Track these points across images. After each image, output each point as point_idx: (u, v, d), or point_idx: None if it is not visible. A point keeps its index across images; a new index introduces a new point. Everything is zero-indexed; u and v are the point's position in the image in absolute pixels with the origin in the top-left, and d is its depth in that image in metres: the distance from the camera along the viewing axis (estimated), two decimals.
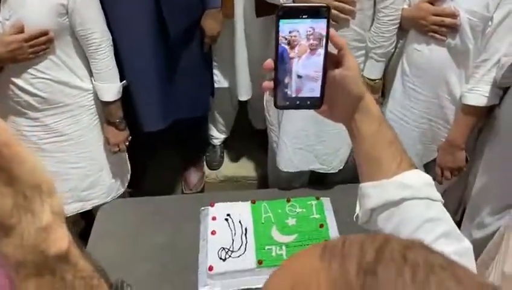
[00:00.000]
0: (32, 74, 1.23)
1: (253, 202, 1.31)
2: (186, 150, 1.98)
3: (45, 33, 1.17)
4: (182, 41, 1.49)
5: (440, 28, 1.24)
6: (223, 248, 1.17)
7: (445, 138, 1.35)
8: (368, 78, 1.41)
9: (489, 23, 1.19)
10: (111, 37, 1.32)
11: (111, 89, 1.33)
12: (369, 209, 0.55)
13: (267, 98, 1.64)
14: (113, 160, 1.50)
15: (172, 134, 1.78)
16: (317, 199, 1.33)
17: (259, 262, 1.15)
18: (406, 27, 1.35)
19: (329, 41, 0.53)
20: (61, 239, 0.30)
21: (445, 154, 1.35)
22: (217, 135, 1.96)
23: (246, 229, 1.23)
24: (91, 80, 1.34)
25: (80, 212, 1.49)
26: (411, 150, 1.51)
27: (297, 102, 0.55)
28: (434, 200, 0.52)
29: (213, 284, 1.12)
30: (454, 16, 1.21)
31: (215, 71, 1.73)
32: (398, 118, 1.43)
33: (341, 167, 1.50)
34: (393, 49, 1.41)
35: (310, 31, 0.51)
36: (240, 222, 1.25)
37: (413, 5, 1.32)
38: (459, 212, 1.54)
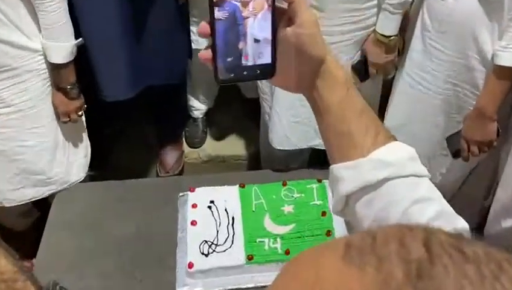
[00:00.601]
0: None
1: (242, 186, 1.28)
2: (162, 124, 1.93)
3: None
4: None
5: None
6: (206, 241, 1.14)
7: (473, 106, 1.31)
8: (382, 35, 1.37)
9: None
10: None
11: (62, 48, 1.26)
12: (344, 195, 0.52)
13: None
14: (71, 137, 1.44)
15: (144, 106, 1.74)
16: (319, 181, 1.31)
17: (249, 257, 1.13)
18: None
19: None
20: None
21: (472, 125, 1.32)
22: (198, 106, 1.91)
23: (233, 219, 1.20)
24: (39, 34, 1.30)
25: (32, 201, 1.43)
26: (431, 121, 1.45)
27: (244, 72, 0.53)
28: (420, 176, 0.51)
29: (193, 284, 1.11)
30: None
31: (193, 29, 1.65)
32: (417, 82, 1.39)
33: None
34: None
35: None
36: (225, 210, 1.22)
37: None
38: (489, 196, 1.52)
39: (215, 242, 1.14)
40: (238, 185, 1.28)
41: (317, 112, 0.57)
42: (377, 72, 1.51)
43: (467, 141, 1.34)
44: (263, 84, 1.52)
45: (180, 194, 1.27)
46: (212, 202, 1.24)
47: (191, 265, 1.09)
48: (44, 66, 1.31)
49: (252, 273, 1.11)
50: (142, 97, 1.58)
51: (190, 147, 1.97)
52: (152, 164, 1.96)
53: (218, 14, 0.49)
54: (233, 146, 1.97)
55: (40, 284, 0.39)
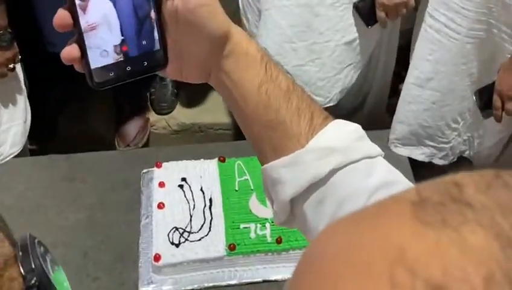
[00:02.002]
0: None
1: (221, 160, 1.28)
2: (121, 86, 1.92)
3: None
4: None
5: None
6: (176, 229, 1.15)
7: (511, 52, 1.33)
8: None
9: None
10: None
11: None
12: (287, 200, 0.53)
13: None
14: (4, 97, 1.43)
15: None
16: None
17: (231, 247, 1.12)
18: None
19: None
20: None
21: (508, 77, 1.32)
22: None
23: (210, 201, 1.20)
24: None
25: None
26: (462, 72, 1.42)
27: (128, 68, 0.51)
28: (374, 157, 0.51)
29: (161, 281, 1.10)
30: None
31: None
32: (443, 24, 1.38)
33: (341, 98, 1.59)
34: None
35: None
36: (201, 189, 1.23)
37: None
38: None
39: (188, 229, 1.14)
40: (217, 159, 1.28)
41: (232, 101, 0.56)
42: (387, 16, 1.52)
43: (501, 96, 1.34)
44: (248, 28, 1.61)
45: (144, 170, 1.26)
46: (184, 179, 1.23)
47: (157, 258, 1.08)
48: None
49: (234, 267, 1.11)
50: None
51: (157, 113, 2.00)
52: (109, 135, 1.96)
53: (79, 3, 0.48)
54: (212, 112, 1.98)
55: (13, 239, 0.40)
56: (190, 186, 1.24)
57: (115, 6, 0.49)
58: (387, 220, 0.23)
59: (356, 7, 1.50)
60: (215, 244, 1.15)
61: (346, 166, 0.50)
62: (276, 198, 0.55)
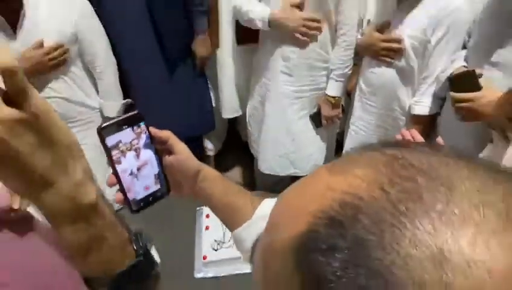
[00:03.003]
0: (47, 94, 1.50)
1: None
2: None
3: (61, 46, 1.47)
4: (179, 63, 1.89)
5: (388, 52, 1.55)
6: (215, 240, 1.43)
7: None
8: (329, 96, 1.76)
9: (428, 45, 1.47)
10: (115, 61, 1.63)
11: (114, 106, 1.67)
12: (248, 249, 0.63)
13: (250, 112, 1.98)
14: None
15: None
16: None
17: None
18: (361, 53, 1.67)
19: (154, 138, 0.61)
20: (91, 192, 0.40)
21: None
22: (211, 147, 2.36)
23: None
24: (97, 97, 1.59)
25: None
26: None
27: (150, 199, 0.62)
28: None
29: (207, 271, 1.37)
30: (399, 41, 1.50)
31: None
32: (359, 128, 1.74)
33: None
34: (350, 71, 1.72)
35: (134, 137, 0.59)
36: None
37: (365, 34, 1.62)
38: None
39: (222, 241, 1.44)
40: None
41: (209, 202, 0.69)
42: (327, 122, 1.83)
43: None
44: (252, 129, 2.01)
45: (198, 208, 1.57)
46: None
47: (205, 257, 1.36)
48: (100, 119, 1.64)
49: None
50: None
51: None
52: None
53: (118, 168, 0.57)
54: (236, 175, 2.42)
55: (129, 227, 0.46)
56: None
57: (140, 170, 0.61)
58: (315, 175, 0.28)
59: (310, 116, 1.86)
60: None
61: None
62: (242, 251, 0.66)
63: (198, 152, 2.33)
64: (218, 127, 2.32)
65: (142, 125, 0.60)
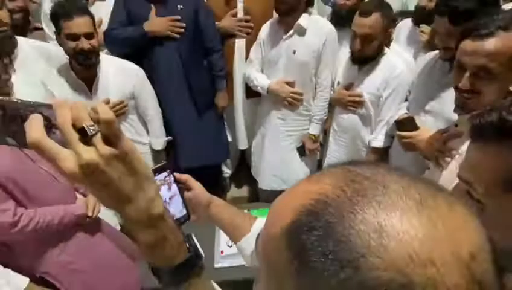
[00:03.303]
0: None
1: (248, 210, 1.49)
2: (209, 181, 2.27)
3: (122, 102, 1.53)
4: (205, 110, 1.92)
5: (353, 103, 1.59)
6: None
7: None
8: (311, 134, 1.79)
9: (381, 98, 1.53)
10: (160, 110, 1.67)
11: (160, 142, 1.70)
12: (249, 256, 0.63)
13: (254, 146, 2.04)
14: None
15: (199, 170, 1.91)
16: None
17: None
18: (333, 104, 1.73)
19: (177, 180, 0.63)
20: (160, 205, 0.39)
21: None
22: (227, 170, 2.36)
23: None
24: (147, 135, 1.66)
25: None
26: None
27: (177, 222, 0.59)
28: None
29: (223, 262, 1.35)
30: (360, 96, 1.55)
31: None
32: (333, 157, 1.74)
33: None
34: (326, 117, 1.76)
35: (166, 175, 0.63)
36: None
37: (336, 92, 1.68)
38: None
39: None
40: (246, 210, 1.46)
41: (217, 223, 0.69)
42: (310, 153, 1.85)
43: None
44: (255, 157, 2.04)
45: None
46: None
47: (222, 252, 1.35)
48: (149, 150, 1.69)
49: None
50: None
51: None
52: None
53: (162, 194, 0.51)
54: (244, 191, 2.42)
55: (182, 232, 0.44)
56: None
57: (171, 201, 0.62)
58: (297, 185, 0.29)
59: (297, 148, 1.89)
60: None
61: None
62: (245, 257, 0.65)
63: (218, 174, 2.28)
64: (232, 156, 2.34)
65: (169, 171, 0.65)
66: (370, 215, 0.24)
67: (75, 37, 1.25)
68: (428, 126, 1.19)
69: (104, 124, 0.34)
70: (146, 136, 1.65)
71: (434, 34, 1.33)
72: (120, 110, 1.47)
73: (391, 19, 1.43)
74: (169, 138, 1.71)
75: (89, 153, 0.34)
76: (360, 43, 1.43)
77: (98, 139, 0.34)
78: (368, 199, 0.24)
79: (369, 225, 0.23)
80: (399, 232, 0.23)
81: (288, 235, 0.25)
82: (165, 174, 0.63)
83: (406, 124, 1.22)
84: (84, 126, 0.34)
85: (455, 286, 0.22)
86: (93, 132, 0.34)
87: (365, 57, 1.47)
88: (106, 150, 0.34)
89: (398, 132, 1.25)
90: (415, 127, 1.20)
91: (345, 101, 1.62)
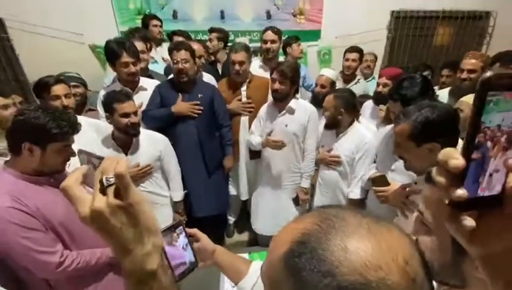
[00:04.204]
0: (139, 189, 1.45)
1: (249, 252, 1.43)
2: (214, 228, 2.17)
3: (149, 165, 1.55)
4: (214, 170, 1.93)
5: (333, 162, 1.67)
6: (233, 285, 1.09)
7: None
8: (303, 187, 1.83)
9: (354, 160, 1.61)
10: (180, 169, 1.70)
11: (179, 194, 1.71)
12: None
13: (253, 198, 2.04)
14: None
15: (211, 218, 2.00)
16: None
17: None
18: (318, 163, 1.79)
19: (187, 233, 0.62)
20: (154, 262, 0.36)
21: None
22: (231, 218, 2.36)
23: None
24: (168, 190, 1.69)
25: None
26: None
27: (185, 271, 0.58)
28: None
29: None
30: (338, 157, 1.64)
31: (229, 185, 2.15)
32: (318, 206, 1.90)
33: None
34: (313, 173, 1.80)
35: (182, 231, 0.60)
36: None
37: (320, 153, 1.76)
38: None
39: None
40: (248, 253, 1.42)
41: (220, 268, 0.70)
42: (302, 202, 1.86)
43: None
44: (253, 205, 2.01)
45: None
46: None
47: None
48: (169, 203, 1.68)
49: None
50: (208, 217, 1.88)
51: (227, 237, 2.35)
52: None
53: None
54: (245, 236, 2.37)
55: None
56: None
57: (184, 242, 0.61)
58: (288, 225, 0.31)
59: (292, 199, 1.85)
60: (248, 286, 1.05)
61: None
62: None
63: (225, 221, 2.32)
64: (236, 206, 2.33)
65: (183, 226, 0.65)
66: (338, 240, 0.28)
67: (127, 115, 1.40)
68: (396, 181, 1.25)
69: (116, 177, 0.34)
70: (167, 190, 1.69)
71: (389, 112, 1.52)
72: (148, 171, 1.54)
73: (345, 102, 1.60)
74: (186, 191, 1.76)
75: (99, 202, 0.33)
76: (328, 118, 1.66)
77: (110, 190, 0.33)
78: (336, 230, 0.28)
79: (338, 247, 0.27)
80: (357, 249, 0.27)
81: (285, 260, 0.29)
82: (180, 228, 0.63)
83: (379, 181, 1.26)
84: (103, 178, 0.33)
85: (397, 283, 0.26)
86: (108, 183, 0.33)
87: (335, 126, 1.65)
88: (113, 200, 0.33)
89: (373, 187, 1.28)
90: (387, 183, 1.24)
91: (327, 161, 1.70)
